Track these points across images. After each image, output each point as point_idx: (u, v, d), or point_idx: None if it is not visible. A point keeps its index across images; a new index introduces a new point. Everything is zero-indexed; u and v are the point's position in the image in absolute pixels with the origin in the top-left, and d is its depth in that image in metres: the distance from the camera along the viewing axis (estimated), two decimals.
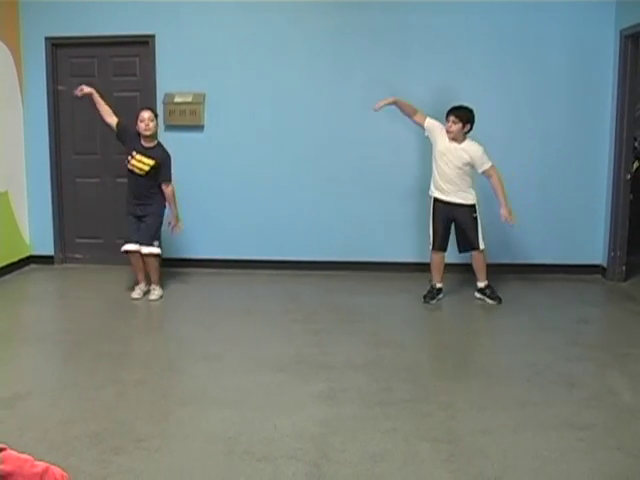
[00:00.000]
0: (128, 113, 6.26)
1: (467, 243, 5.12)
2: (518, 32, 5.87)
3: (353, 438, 2.96)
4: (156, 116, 5.27)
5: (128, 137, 5.20)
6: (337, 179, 6.13)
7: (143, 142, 5.16)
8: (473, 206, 5.05)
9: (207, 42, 6.08)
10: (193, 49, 6.09)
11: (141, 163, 5.13)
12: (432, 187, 5.13)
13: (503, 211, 4.99)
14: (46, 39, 6.20)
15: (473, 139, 5.02)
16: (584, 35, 5.85)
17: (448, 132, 4.96)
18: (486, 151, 4.99)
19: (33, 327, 4.81)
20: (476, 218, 5.06)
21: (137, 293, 5.35)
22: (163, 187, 5.21)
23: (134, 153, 5.14)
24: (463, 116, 4.92)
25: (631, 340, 4.36)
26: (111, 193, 6.35)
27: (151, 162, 5.13)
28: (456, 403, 3.35)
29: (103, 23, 6.09)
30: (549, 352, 4.13)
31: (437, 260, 5.18)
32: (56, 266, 6.49)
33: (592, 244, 6.05)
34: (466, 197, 5.03)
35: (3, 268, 6.01)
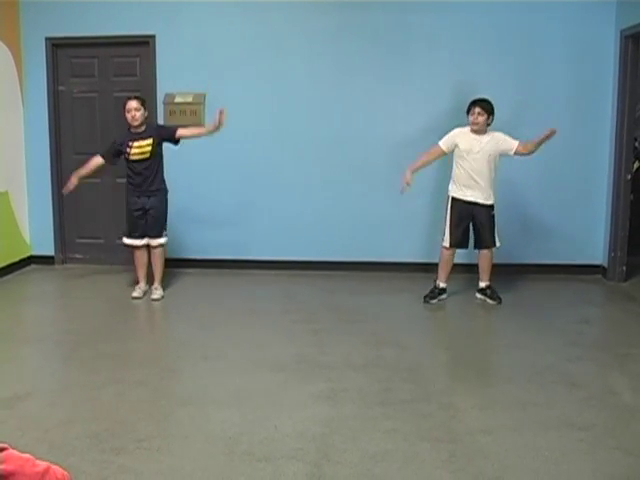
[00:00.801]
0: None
1: (483, 241, 5.12)
2: (519, 32, 5.87)
3: (353, 438, 2.96)
4: (143, 103, 5.18)
5: (119, 145, 5.18)
6: (338, 179, 6.14)
7: (134, 130, 5.15)
8: (492, 206, 5.07)
9: (208, 42, 6.08)
10: (194, 49, 6.09)
11: (140, 148, 5.11)
12: (452, 187, 5.10)
13: (547, 134, 4.88)
14: (46, 39, 6.20)
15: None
16: (584, 35, 5.85)
17: (474, 124, 4.96)
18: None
19: (33, 327, 4.82)
20: (493, 216, 5.08)
21: (137, 292, 5.35)
22: (179, 132, 5.13)
23: (130, 144, 5.12)
24: (488, 107, 4.96)
25: (631, 340, 4.36)
26: (111, 193, 6.35)
27: (149, 141, 5.10)
28: (456, 403, 3.35)
29: (103, 23, 6.09)
30: (549, 352, 4.13)
31: (448, 257, 5.17)
32: (56, 266, 6.49)
33: (592, 244, 6.05)
34: (489, 196, 5.04)
35: (3, 268, 6.01)
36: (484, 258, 5.19)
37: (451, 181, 5.13)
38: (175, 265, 6.09)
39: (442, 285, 5.23)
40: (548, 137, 4.90)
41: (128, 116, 5.09)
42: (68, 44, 6.24)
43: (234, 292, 5.63)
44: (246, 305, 5.20)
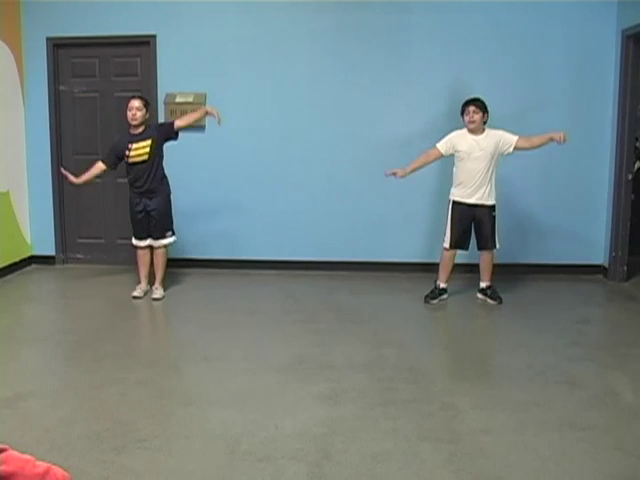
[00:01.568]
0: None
1: (484, 241, 5.12)
2: (520, 32, 5.87)
3: (354, 438, 2.96)
4: (147, 104, 5.18)
5: (119, 148, 5.17)
6: (338, 179, 6.14)
7: (133, 131, 5.14)
8: (493, 206, 5.07)
9: (208, 42, 6.08)
10: (194, 49, 6.10)
11: (139, 149, 5.10)
12: (454, 190, 5.09)
13: (557, 135, 4.91)
14: (47, 39, 6.21)
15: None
16: (586, 35, 5.84)
17: (470, 123, 4.95)
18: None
19: (34, 327, 4.82)
20: (494, 217, 5.08)
21: (138, 292, 5.35)
22: (176, 124, 5.16)
23: (129, 146, 5.11)
24: (482, 105, 4.96)
25: (632, 340, 4.36)
26: (112, 193, 6.36)
27: (148, 142, 5.09)
28: (457, 403, 3.34)
29: (104, 24, 6.10)
30: (550, 352, 4.12)
31: (449, 258, 5.17)
32: (57, 266, 6.50)
33: (594, 244, 6.05)
34: (490, 197, 5.03)
35: (4, 268, 6.02)
36: (485, 259, 5.20)
37: (453, 185, 5.12)
38: (176, 265, 6.10)
39: (443, 285, 5.23)
40: (558, 140, 4.88)
41: (129, 114, 5.08)
42: (69, 44, 6.25)
43: (235, 292, 5.63)
44: (247, 305, 5.20)
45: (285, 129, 6.13)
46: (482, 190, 4.99)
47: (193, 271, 6.16)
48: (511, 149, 5.01)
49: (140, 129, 5.14)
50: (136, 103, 5.09)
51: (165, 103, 6.12)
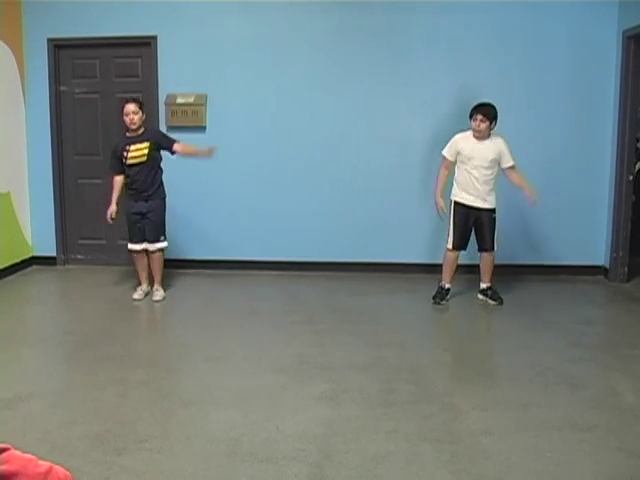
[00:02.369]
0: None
1: (483, 244, 5.13)
2: (521, 33, 5.87)
3: (355, 439, 2.96)
4: (141, 106, 5.16)
5: (118, 151, 5.16)
6: (339, 180, 6.14)
7: (131, 134, 5.14)
8: (493, 209, 5.08)
9: (209, 43, 6.09)
10: (195, 50, 6.10)
11: (137, 151, 5.09)
12: (455, 191, 5.09)
13: (529, 192, 5.06)
14: (48, 40, 6.21)
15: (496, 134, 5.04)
16: (587, 36, 5.84)
17: (476, 131, 4.93)
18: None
19: (35, 328, 4.82)
20: (494, 220, 5.09)
21: (138, 294, 5.35)
22: (175, 148, 5.15)
23: (127, 148, 5.11)
24: (490, 114, 4.92)
25: (634, 341, 4.36)
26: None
27: (145, 144, 5.09)
28: (458, 404, 3.34)
29: (105, 24, 6.10)
30: (551, 353, 4.12)
31: (453, 259, 5.17)
32: (58, 267, 6.50)
33: (594, 245, 6.04)
34: (490, 200, 5.04)
35: (5, 269, 6.02)
36: (485, 260, 5.20)
37: (453, 185, 5.12)
38: (176, 266, 6.10)
39: (448, 286, 5.22)
40: (529, 197, 5.07)
41: (126, 119, 5.08)
42: (70, 45, 6.25)
43: (235, 293, 5.63)
44: (247, 306, 5.20)
45: (285, 130, 6.13)
46: (482, 195, 5.00)
47: (193, 272, 6.16)
48: (503, 166, 5.04)
49: (139, 131, 5.14)
50: (132, 107, 5.07)
51: (166, 104, 6.12)
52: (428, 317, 5.03)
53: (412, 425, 3.10)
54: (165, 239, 5.34)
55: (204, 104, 6.08)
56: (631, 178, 5.79)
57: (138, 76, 6.28)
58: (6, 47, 6.00)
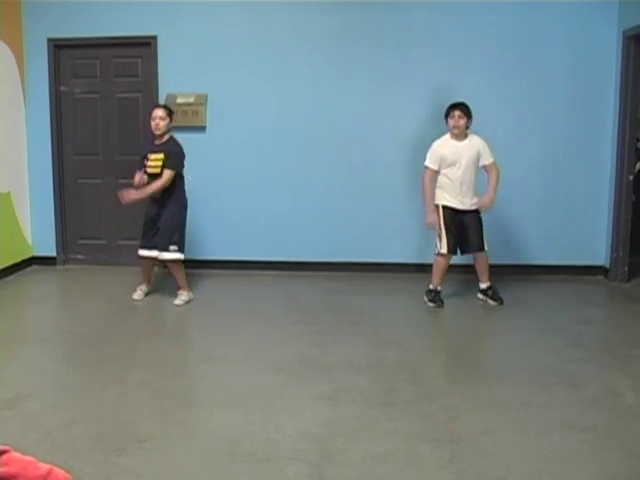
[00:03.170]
0: (130, 114, 6.29)
1: (472, 245, 5.09)
2: (521, 33, 5.87)
3: (355, 439, 2.96)
4: (170, 113, 5.14)
5: (143, 155, 5.14)
6: (338, 180, 6.14)
7: (156, 141, 5.13)
8: (478, 210, 5.06)
9: (209, 43, 6.09)
10: (195, 50, 6.10)
11: (154, 161, 5.06)
12: (439, 194, 5.05)
13: (488, 198, 4.99)
14: (48, 40, 6.21)
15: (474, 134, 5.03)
16: (587, 36, 5.84)
17: (455, 127, 4.93)
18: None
19: (35, 328, 4.82)
20: (481, 219, 5.07)
21: (138, 294, 5.35)
22: (164, 171, 5.00)
23: (148, 156, 5.08)
24: (467, 110, 4.94)
25: (634, 341, 4.36)
26: (113, 194, 6.34)
27: (161, 156, 5.03)
28: (458, 404, 3.34)
29: (105, 24, 6.10)
30: (551, 353, 4.12)
31: (445, 264, 5.13)
32: (58, 267, 6.50)
33: (595, 245, 6.04)
34: (475, 201, 5.02)
35: (5, 269, 6.02)
36: (480, 260, 5.17)
37: (437, 188, 5.07)
38: None
39: (439, 288, 5.20)
40: (484, 197, 5.00)
41: (152, 124, 5.05)
42: (70, 45, 6.25)
43: (235, 293, 5.63)
44: (247, 306, 5.20)
45: (285, 130, 6.13)
46: (467, 196, 4.98)
47: (194, 272, 6.14)
48: (482, 163, 5.00)
49: (163, 139, 5.10)
50: (159, 112, 5.05)
51: (166, 104, 6.11)
52: (427, 317, 5.03)
53: (412, 425, 3.10)
54: (178, 250, 5.11)
55: (204, 104, 6.09)
56: (631, 178, 5.79)
57: (138, 76, 6.28)
58: (6, 47, 6.00)
